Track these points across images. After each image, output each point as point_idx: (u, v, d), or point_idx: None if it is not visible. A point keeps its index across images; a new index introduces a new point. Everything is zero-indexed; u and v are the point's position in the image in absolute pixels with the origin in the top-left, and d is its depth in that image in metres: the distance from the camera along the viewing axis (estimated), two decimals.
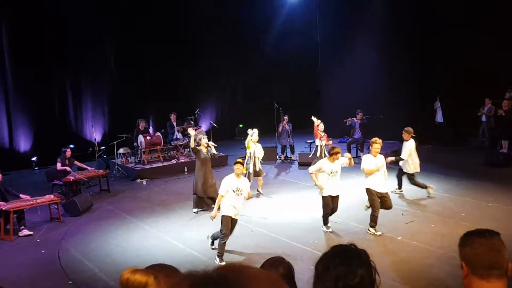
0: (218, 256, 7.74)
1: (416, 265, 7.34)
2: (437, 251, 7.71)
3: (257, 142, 11.65)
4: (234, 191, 7.79)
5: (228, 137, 19.10)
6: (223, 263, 7.29)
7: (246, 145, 11.76)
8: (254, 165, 11.43)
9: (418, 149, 10.84)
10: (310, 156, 13.43)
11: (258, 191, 11.64)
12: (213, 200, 10.74)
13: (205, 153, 10.52)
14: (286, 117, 15.45)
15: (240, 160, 8.19)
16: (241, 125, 19.23)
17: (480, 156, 13.90)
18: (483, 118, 15.41)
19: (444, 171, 12.77)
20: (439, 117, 16.27)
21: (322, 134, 12.60)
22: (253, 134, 11.56)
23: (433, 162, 13.87)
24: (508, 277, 1.99)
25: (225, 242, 7.76)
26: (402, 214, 9.60)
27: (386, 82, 17.35)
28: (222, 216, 7.84)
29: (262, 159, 11.82)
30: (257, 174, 11.56)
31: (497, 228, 2.13)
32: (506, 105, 14.70)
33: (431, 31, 16.01)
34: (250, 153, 11.51)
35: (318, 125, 12.64)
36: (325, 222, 8.89)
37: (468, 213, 9.47)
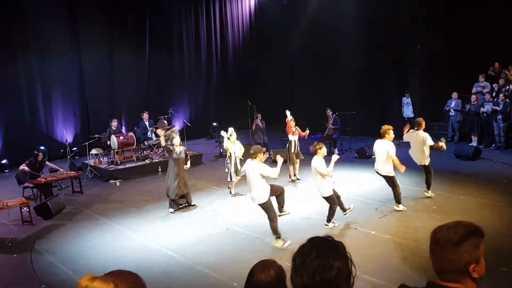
0: (278, 238, 8.08)
1: (390, 259, 7.43)
2: (410, 244, 7.83)
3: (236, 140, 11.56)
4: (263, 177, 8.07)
5: (202, 135, 19.04)
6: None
7: (225, 148, 11.68)
8: (235, 164, 11.35)
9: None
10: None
11: (229, 190, 11.62)
12: (184, 197, 10.64)
13: (178, 153, 10.44)
14: (259, 115, 15.47)
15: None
16: (215, 123, 19.19)
17: (450, 150, 14.16)
18: (452, 112, 15.70)
19: (414, 165, 12.92)
20: (410, 112, 16.51)
21: (294, 129, 12.60)
22: (231, 134, 11.46)
23: (404, 156, 14.04)
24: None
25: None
26: (376, 209, 9.73)
27: (357, 79, 17.53)
28: (265, 203, 8.10)
29: (242, 156, 11.49)
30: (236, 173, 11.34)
31: (469, 220, 2.16)
32: (475, 100, 15.03)
33: (398, 28, 16.26)
34: (230, 153, 11.43)
35: (290, 120, 12.66)
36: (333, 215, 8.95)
37: (440, 206, 9.66)
